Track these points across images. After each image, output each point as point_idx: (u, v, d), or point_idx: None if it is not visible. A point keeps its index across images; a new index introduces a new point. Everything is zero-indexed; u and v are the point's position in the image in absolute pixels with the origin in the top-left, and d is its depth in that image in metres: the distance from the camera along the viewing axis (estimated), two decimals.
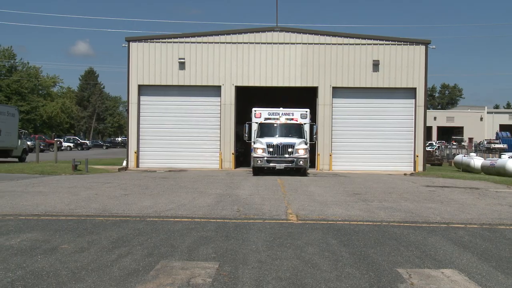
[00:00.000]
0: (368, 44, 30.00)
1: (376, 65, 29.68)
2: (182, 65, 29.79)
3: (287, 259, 6.86)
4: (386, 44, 30.03)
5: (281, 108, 26.53)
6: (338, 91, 29.99)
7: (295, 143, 23.53)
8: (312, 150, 29.33)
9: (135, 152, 29.64)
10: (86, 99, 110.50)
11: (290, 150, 23.39)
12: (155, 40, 30.26)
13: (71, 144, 72.08)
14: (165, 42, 30.13)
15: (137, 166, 29.47)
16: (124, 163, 29.57)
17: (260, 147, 23.63)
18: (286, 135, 24.29)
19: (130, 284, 5.57)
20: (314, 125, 26.04)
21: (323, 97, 29.81)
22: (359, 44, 30.01)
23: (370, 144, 29.77)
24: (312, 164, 29.05)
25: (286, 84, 29.99)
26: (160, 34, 31.25)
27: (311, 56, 29.86)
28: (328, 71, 29.80)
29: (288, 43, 29.93)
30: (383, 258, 7.02)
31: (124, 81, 29.73)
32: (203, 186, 17.30)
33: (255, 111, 26.73)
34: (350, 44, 30.01)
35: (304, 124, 25.33)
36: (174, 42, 30.08)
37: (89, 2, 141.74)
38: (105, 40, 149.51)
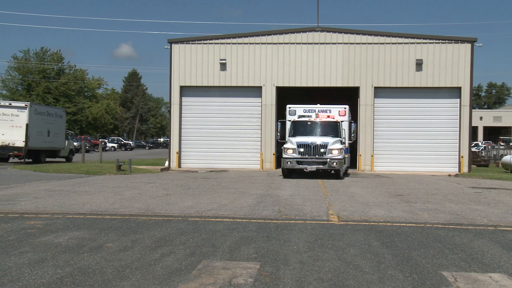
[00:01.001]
0: (411, 43, 29.48)
1: (419, 64, 29.14)
2: (223, 66, 29.98)
3: (329, 260, 6.82)
4: (430, 42, 29.44)
5: (318, 105, 24.95)
6: (380, 91, 29.59)
7: (328, 142, 21.79)
8: (353, 150, 29.06)
9: (177, 153, 30.02)
10: (130, 101, 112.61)
11: (322, 150, 21.61)
12: (196, 42, 30.56)
13: (115, 145, 73.61)
14: (206, 43, 30.40)
15: (179, 166, 29.83)
16: (166, 164, 29.98)
17: (290, 147, 22.08)
18: (321, 134, 22.71)
19: (172, 283, 5.65)
20: (352, 122, 24.35)
21: (365, 97, 29.47)
22: (401, 43, 29.52)
23: (413, 145, 29.25)
24: (353, 164, 28.74)
25: (327, 84, 29.79)
26: (202, 36, 31.58)
27: (353, 56, 29.57)
28: (369, 71, 29.45)
29: (329, 43, 29.72)
30: (427, 261, 6.88)
31: (166, 83, 30.16)
32: (244, 187, 17.37)
33: (289, 108, 25.26)
34: (392, 43, 29.57)
35: (342, 122, 23.70)
36: (215, 43, 30.31)
37: (132, 5, 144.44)
38: (148, 43, 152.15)
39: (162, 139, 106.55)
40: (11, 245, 7.28)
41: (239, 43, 30.16)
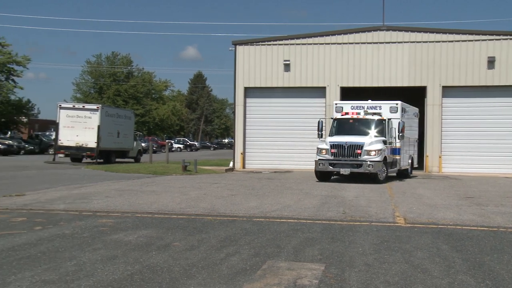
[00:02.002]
0: (482, 40, 28.34)
1: (491, 62, 27.95)
2: (287, 67, 29.98)
3: (396, 263, 6.68)
4: (503, 39, 28.20)
5: (369, 101, 22.80)
6: (449, 90, 28.63)
7: (364, 142, 19.75)
8: (420, 151, 28.28)
9: (241, 153, 30.29)
10: (195, 102, 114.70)
11: (357, 151, 19.60)
12: (260, 43, 30.73)
13: (181, 146, 75.22)
14: (270, 44, 30.50)
15: (244, 167, 30.09)
16: (231, 164, 30.32)
17: (323, 147, 20.27)
18: (363, 133, 20.69)
19: (238, 283, 5.71)
20: (399, 120, 21.49)
21: (432, 97, 28.61)
22: (471, 40, 28.44)
23: (484, 146, 28.09)
24: (420, 166, 27.97)
25: (393, 84, 29.16)
26: (266, 37, 31.66)
27: (420, 55, 28.78)
28: (437, 70, 28.56)
29: (395, 42, 29.08)
30: (501, 267, 6.61)
31: (231, 84, 30.57)
32: (308, 188, 17.30)
33: (336, 104, 23.37)
34: (462, 40, 28.53)
35: (391, 119, 21.46)
36: (279, 44, 30.36)
37: (198, 8, 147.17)
38: (213, 45, 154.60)
39: (226, 140, 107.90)
40: (85, 242, 7.60)
41: (303, 44, 30.06)
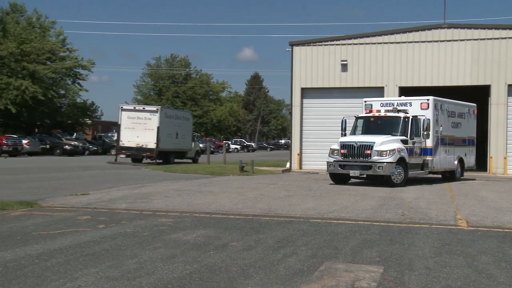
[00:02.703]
0: None
1: None
2: (344, 67, 29.67)
3: (458, 267, 6.49)
4: None
5: (402, 97, 21.77)
6: None
7: (374, 142, 18.34)
8: (483, 151, 27.29)
9: (298, 154, 30.21)
10: (252, 103, 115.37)
11: (367, 151, 18.26)
12: (317, 43, 30.56)
13: (238, 146, 75.83)
14: (327, 44, 30.29)
15: (300, 167, 29.99)
16: (288, 165, 30.30)
17: (335, 148, 19.19)
18: (384, 132, 19.26)
19: (295, 284, 5.71)
20: (423, 117, 19.68)
21: (497, 96, 27.54)
22: None
23: None
24: (483, 167, 26.98)
25: (454, 83, 28.27)
26: (322, 37, 31.45)
27: (483, 53, 27.76)
28: (502, 68, 27.45)
29: (456, 40, 28.19)
30: None
31: (287, 85, 30.66)
32: (366, 189, 17.07)
33: (365, 102, 21.97)
34: None
35: (419, 116, 19.82)
36: (336, 44, 30.09)
37: (254, 10, 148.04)
38: (269, 46, 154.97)
39: (283, 141, 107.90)
40: (146, 240, 7.81)
41: (360, 44, 29.66)
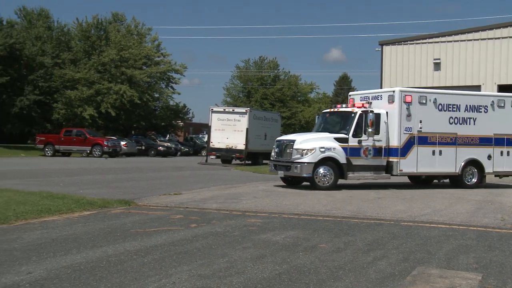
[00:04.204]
0: None
1: None
2: (437, 66, 28.63)
3: None
4: None
5: (377, 90, 19.33)
6: None
7: (295, 140, 16.97)
8: None
9: None
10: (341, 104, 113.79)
11: (288, 151, 16.87)
12: (408, 42, 29.73)
13: None
14: (419, 43, 29.38)
15: None
16: None
17: (274, 148, 18.08)
18: (334, 130, 17.47)
19: None
20: (369, 112, 16.95)
21: None
22: None
23: None
24: None
25: None
26: (414, 36, 30.55)
27: None
28: None
29: None
30: None
31: (377, 85, 29.97)
32: (460, 192, 16.35)
33: (349, 95, 19.94)
34: None
35: (380, 112, 17.30)
36: (428, 42, 29.12)
37: (342, 10, 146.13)
38: (358, 46, 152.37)
39: None
40: (236, 240, 7.96)
41: (455, 41, 28.48)
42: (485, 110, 18.41)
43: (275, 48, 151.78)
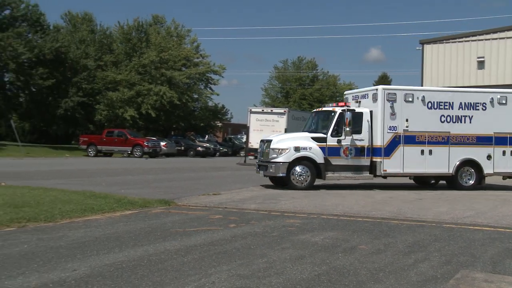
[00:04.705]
0: None
1: None
2: (481, 64, 27.96)
3: None
4: None
5: (365, 88, 18.64)
6: None
7: (271, 140, 16.94)
8: None
9: None
10: None
11: (266, 150, 16.90)
12: (450, 41, 29.14)
13: None
14: (461, 41, 28.75)
15: None
16: None
17: (258, 148, 18.20)
18: (315, 130, 17.37)
19: None
20: (346, 111, 16.58)
21: None
22: None
23: None
24: None
25: None
26: (456, 34, 29.96)
27: None
28: None
29: None
30: None
31: (417, 85, 29.55)
32: (506, 194, 15.92)
33: (344, 95, 19.78)
34: None
35: (362, 111, 17.07)
36: (472, 40, 28.46)
37: (380, 9, 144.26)
38: (397, 45, 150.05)
39: None
40: (275, 240, 7.97)
41: (500, 38, 27.76)
42: (484, 108, 17.52)
43: (314, 48, 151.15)
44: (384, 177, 17.55)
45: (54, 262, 6.29)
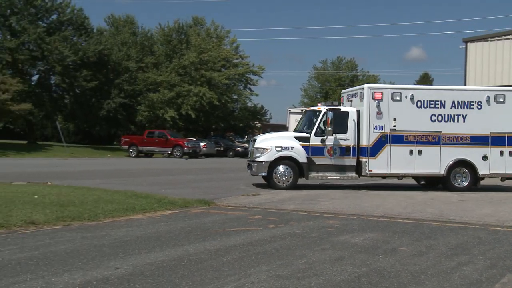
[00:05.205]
0: None
1: None
2: None
3: None
4: None
5: (356, 87, 18.45)
6: None
7: (256, 139, 17.30)
8: None
9: None
10: None
11: (251, 150, 17.29)
12: (496, 38, 28.38)
13: None
14: (508, 38, 27.95)
15: None
16: None
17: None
18: (302, 129, 17.29)
19: None
20: (329, 111, 16.34)
21: None
22: None
23: None
24: None
25: None
26: (502, 31, 29.11)
27: None
28: None
29: None
30: None
31: (460, 84, 28.93)
32: None
33: (341, 94, 19.67)
34: None
35: (348, 110, 16.89)
36: None
37: (421, 7, 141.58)
38: (439, 44, 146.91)
39: None
40: (314, 241, 7.94)
41: None
42: (479, 107, 16.79)
43: (353, 48, 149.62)
44: (385, 177, 17.60)
45: (98, 260, 6.44)
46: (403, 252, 7.29)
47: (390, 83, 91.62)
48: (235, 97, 58.19)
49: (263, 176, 17.06)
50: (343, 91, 19.63)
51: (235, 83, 58.34)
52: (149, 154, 41.71)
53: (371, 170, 16.51)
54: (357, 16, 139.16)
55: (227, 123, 58.26)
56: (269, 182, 16.60)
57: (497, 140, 16.83)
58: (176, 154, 39.90)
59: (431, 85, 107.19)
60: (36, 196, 11.28)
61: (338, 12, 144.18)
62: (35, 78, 50.18)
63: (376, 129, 16.48)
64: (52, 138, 58.37)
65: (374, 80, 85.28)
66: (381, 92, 16.62)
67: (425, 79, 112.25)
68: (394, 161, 16.50)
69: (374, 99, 16.50)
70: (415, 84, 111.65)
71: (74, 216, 9.30)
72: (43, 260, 6.35)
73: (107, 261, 6.40)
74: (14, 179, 16.13)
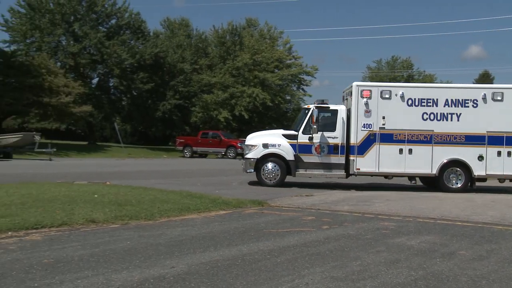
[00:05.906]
0: None
1: None
2: None
3: None
4: None
5: (353, 83, 17.21)
6: None
7: (247, 137, 17.97)
8: None
9: None
10: None
11: (243, 146, 17.79)
12: None
13: None
14: None
15: None
16: None
17: None
18: (298, 125, 17.26)
19: None
20: (315, 109, 16.48)
21: None
22: None
23: None
24: None
25: None
26: None
27: None
28: None
29: None
30: None
31: None
32: None
33: (343, 92, 19.43)
34: None
35: (338, 108, 16.86)
36: None
37: (481, 4, 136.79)
38: (500, 41, 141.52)
39: None
40: (369, 243, 7.83)
41: None
42: (474, 105, 16.21)
43: (409, 47, 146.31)
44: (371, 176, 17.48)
45: (154, 258, 6.59)
46: (462, 256, 7.09)
47: (448, 82, 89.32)
48: (288, 97, 58.14)
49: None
50: (344, 89, 19.39)
51: (288, 84, 58.30)
52: (203, 155, 42.29)
53: (359, 169, 16.43)
54: (415, 14, 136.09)
55: (281, 124, 58.24)
56: (258, 179, 16.88)
57: (495, 140, 16.22)
58: (230, 155, 40.24)
59: (491, 82, 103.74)
60: (96, 196, 11.65)
61: (392, 10, 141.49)
62: (95, 81, 51.96)
63: (364, 127, 16.40)
64: (111, 139, 60.18)
65: (430, 79, 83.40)
66: (370, 90, 16.52)
67: (485, 78, 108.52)
68: (383, 160, 16.33)
69: (362, 97, 16.43)
70: (474, 83, 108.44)
71: (132, 215, 9.54)
72: (103, 257, 6.56)
73: (163, 259, 6.53)
74: (75, 178, 16.72)
